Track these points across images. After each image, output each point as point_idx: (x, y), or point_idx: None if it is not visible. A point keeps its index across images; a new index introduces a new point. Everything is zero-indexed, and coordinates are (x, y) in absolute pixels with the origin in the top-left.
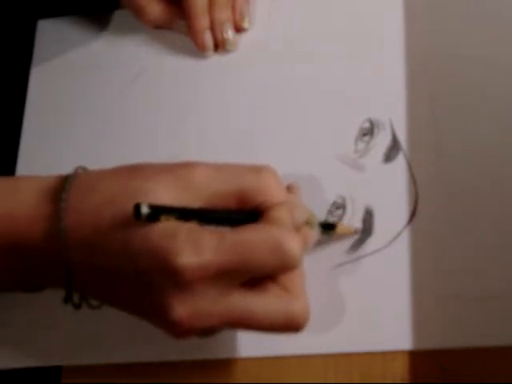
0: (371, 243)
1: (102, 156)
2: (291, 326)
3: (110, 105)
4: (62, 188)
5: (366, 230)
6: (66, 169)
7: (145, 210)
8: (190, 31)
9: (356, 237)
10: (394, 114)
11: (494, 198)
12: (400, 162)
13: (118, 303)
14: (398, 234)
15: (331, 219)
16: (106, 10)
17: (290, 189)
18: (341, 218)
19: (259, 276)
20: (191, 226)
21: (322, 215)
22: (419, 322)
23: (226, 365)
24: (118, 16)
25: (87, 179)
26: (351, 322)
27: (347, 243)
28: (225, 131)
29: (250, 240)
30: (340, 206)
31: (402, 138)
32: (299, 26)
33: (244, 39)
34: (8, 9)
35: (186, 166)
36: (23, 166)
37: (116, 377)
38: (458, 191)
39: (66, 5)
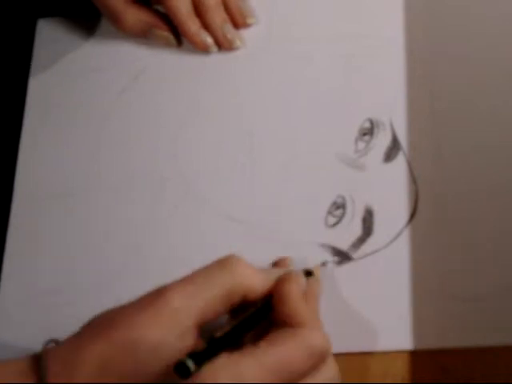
0: (371, 243)
1: (102, 155)
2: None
3: (110, 104)
4: (38, 374)
5: (366, 229)
6: (66, 169)
7: (192, 366)
8: (186, 37)
9: (356, 237)
10: (394, 114)
11: (494, 197)
12: (400, 161)
13: None
14: (398, 234)
15: (331, 219)
16: None
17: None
18: (341, 217)
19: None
20: (225, 361)
21: (322, 215)
22: (419, 322)
23: None
24: None
25: (62, 355)
26: (351, 321)
27: (347, 243)
28: (225, 131)
29: (286, 354)
30: (340, 205)
31: (402, 137)
32: (299, 25)
33: (244, 40)
34: (8, 9)
35: (159, 295)
36: (23, 166)
37: None
38: (458, 191)
39: (65, 5)
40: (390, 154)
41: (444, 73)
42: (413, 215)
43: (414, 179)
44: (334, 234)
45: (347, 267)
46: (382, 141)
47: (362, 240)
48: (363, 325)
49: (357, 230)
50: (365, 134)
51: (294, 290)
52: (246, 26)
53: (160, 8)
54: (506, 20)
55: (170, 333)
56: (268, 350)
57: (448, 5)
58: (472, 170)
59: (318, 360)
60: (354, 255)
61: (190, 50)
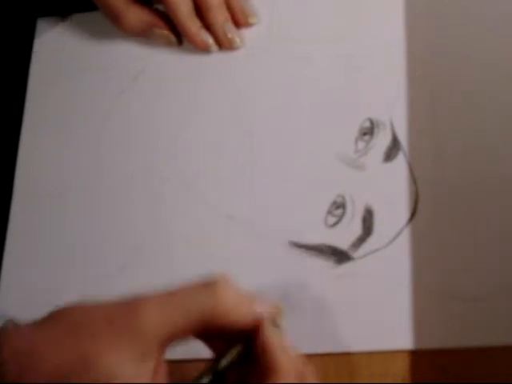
0: (371, 243)
1: (102, 155)
2: None
3: (110, 104)
4: None
5: (366, 229)
6: (66, 169)
7: None
8: (187, 36)
9: (356, 236)
10: (394, 114)
11: (494, 197)
12: (400, 161)
13: None
14: (398, 234)
15: (331, 219)
16: None
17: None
18: (341, 217)
19: None
20: None
21: (321, 215)
22: (419, 321)
23: None
24: None
25: (20, 341)
26: (351, 321)
27: (347, 243)
28: (225, 131)
29: None
30: (340, 205)
31: (402, 137)
32: (299, 25)
33: (244, 39)
34: (8, 9)
35: (132, 310)
36: (23, 166)
37: None
38: (458, 191)
39: (65, 5)
40: (390, 153)
41: (444, 73)
42: (413, 215)
43: (414, 179)
44: (334, 234)
45: (347, 267)
46: (382, 141)
47: (362, 240)
48: (363, 325)
49: (357, 229)
50: (365, 134)
51: (277, 340)
52: (248, 25)
53: (160, 7)
54: (506, 20)
55: (131, 354)
56: None
57: (448, 5)
58: (472, 170)
59: None
60: (354, 255)
61: (189, 49)
